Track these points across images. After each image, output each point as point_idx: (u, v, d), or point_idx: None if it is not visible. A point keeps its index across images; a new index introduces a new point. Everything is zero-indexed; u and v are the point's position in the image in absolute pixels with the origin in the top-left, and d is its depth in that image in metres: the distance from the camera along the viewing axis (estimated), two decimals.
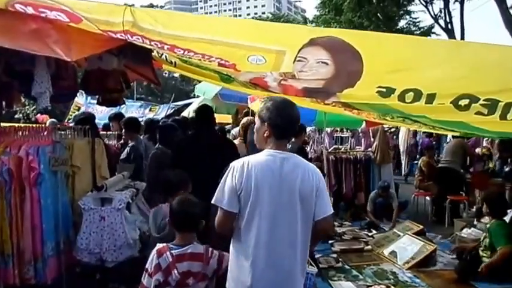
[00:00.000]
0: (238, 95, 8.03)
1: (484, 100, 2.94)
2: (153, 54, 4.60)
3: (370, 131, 9.26)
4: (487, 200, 4.70)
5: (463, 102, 3.03)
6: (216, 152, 4.23)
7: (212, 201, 2.37)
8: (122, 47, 4.14)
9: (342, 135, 13.27)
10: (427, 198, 8.75)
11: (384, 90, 3.31)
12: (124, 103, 5.99)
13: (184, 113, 10.65)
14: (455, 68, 3.23)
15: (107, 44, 3.61)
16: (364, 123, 8.17)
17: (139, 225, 4.04)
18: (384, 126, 8.80)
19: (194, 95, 16.09)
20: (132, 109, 13.67)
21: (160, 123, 6.52)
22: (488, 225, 4.77)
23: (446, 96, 3.09)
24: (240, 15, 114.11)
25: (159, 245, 2.70)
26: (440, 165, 8.41)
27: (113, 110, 7.77)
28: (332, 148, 10.42)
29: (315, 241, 2.54)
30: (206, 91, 8.99)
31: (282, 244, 2.33)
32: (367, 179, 8.44)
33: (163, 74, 36.31)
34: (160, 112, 13.31)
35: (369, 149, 9.22)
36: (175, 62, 4.54)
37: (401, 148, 8.23)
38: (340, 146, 11.60)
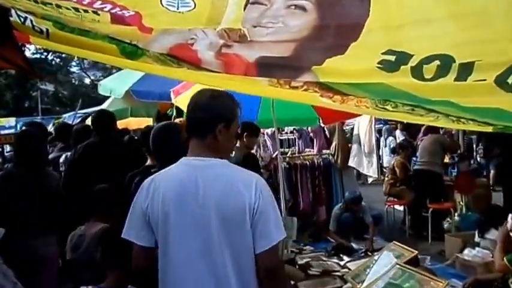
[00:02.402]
0: (156, 90, 6.55)
1: None
2: (11, 19, 3.00)
3: (326, 129, 8.11)
4: None
5: None
6: (118, 167, 3.70)
7: (122, 235, 2.02)
8: None
9: (285, 137, 12.05)
10: (397, 207, 7.71)
11: (392, 58, 2.15)
12: None
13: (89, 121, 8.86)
14: None
15: None
16: (319, 120, 6.92)
17: None
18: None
19: None
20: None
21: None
22: None
23: (491, 67, 2.03)
24: None
25: None
26: (415, 167, 7.36)
27: None
28: (277, 153, 9.19)
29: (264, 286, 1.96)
30: (113, 89, 7.32)
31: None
32: (329, 189, 7.25)
33: (72, 81, 33.78)
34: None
35: (325, 152, 8.06)
36: (47, 30, 2.96)
37: (366, 147, 7.02)
38: (286, 150, 10.38)
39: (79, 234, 3.13)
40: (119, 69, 8.25)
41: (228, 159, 2.04)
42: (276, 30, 2.21)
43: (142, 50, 2.71)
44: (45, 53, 30.35)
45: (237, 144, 5.30)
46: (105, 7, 2.12)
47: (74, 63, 33.86)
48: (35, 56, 30.49)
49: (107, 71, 26.51)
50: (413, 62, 2.13)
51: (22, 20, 2.92)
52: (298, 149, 10.13)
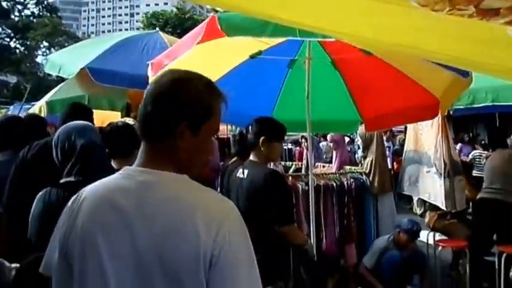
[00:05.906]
0: (126, 70, 4.46)
1: None
2: None
3: (360, 137, 6.15)
4: None
5: None
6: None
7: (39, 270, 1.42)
8: None
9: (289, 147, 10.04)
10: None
11: None
12: None
13: (32, 110, 6.59)
14: None
15: None
16: (362, 126, 4.88)
17: None
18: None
19: None
20: None
21: None
22: None
23: None
24: (137, 13, 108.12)
25: None
26: (482, 195, 5.42)
27: None
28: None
29: None
30: (63, 65, 5.11)
31: None
32: (361, 221, 5.27)
33: (38, 73, 31.02)
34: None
35: (349, 169, 6.11)
36: None
37: (437, 165, 5.05)
38: (288, 163, 8.42)
39: None
40: None
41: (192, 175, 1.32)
42: None
43: None
44: (8, 39, 27.62)
45: (252, 157, 3.26)
46: None
47: (40, 52, 31.05)
48: None
49: None
50: None
51: None
52: (307, 163, 8.01)
